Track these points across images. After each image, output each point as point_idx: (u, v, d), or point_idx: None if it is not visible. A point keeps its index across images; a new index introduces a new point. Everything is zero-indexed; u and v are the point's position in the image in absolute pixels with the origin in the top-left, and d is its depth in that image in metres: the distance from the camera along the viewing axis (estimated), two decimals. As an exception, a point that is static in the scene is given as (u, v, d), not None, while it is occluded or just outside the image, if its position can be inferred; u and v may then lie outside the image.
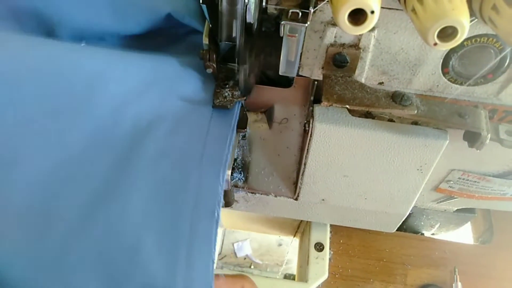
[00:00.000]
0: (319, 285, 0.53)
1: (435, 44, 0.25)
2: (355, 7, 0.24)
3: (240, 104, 0.38)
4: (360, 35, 0.33)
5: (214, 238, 0.29)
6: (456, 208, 0.56)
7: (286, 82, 0.42)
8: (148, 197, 0.31)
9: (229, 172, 0.35)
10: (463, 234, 0.64)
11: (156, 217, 0.30)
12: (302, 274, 0.55)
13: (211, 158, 0.33)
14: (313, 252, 0.55)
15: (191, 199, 0.31)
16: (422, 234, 0.62)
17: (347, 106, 0.34)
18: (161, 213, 0.31)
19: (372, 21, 0.24)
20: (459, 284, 0.55)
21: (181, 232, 0.30)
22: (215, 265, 0.30)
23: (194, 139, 0.34)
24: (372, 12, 0.24)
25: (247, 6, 0.33)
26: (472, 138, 0.36)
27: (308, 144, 0.40)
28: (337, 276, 0.54)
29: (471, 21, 0.25)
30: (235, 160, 0.43)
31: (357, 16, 0.25)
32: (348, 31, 0.25)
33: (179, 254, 0.29)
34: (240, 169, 0.44)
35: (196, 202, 0.31)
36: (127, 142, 0.33)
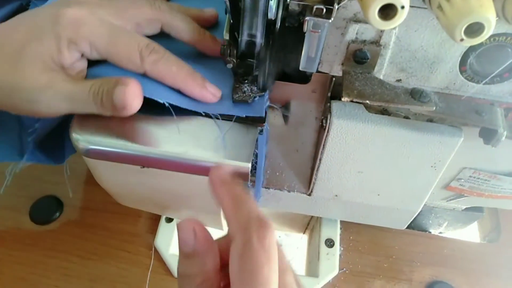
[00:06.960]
0: (329, 280, 0.54)
1: (462, 40, 0.25)
2: (385, 2, 0.24)
3: (264, 99, 0.38)
4: (381, 32, 0.34)
5: None
6: (464, 207, 0.57)
7: (303, 78, 0.42)
8: None
9: (249, 165, 0.36)
10: (469, 233, 0.65)
11: None
12: (312, 270, 0.55)
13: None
14: (323, 248, 0.55)
15: None
16: (429, 232, 0.63)
17: (368, 101, 0.34)
18: None
19: (402, 16, 0.25)
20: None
21: None
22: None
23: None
24: (402, 7, 0.24)
25: (269, 2, 0.34)
26: (488, 135, 0.36)
27: (325, 139, 0.40)
28: (347, 272, 0.55)
29: (494, 19, 0.25)
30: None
31: (386, 11, 0.25)
32: (378, 26, 0.25)
33: None
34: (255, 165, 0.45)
35: None
36: None
